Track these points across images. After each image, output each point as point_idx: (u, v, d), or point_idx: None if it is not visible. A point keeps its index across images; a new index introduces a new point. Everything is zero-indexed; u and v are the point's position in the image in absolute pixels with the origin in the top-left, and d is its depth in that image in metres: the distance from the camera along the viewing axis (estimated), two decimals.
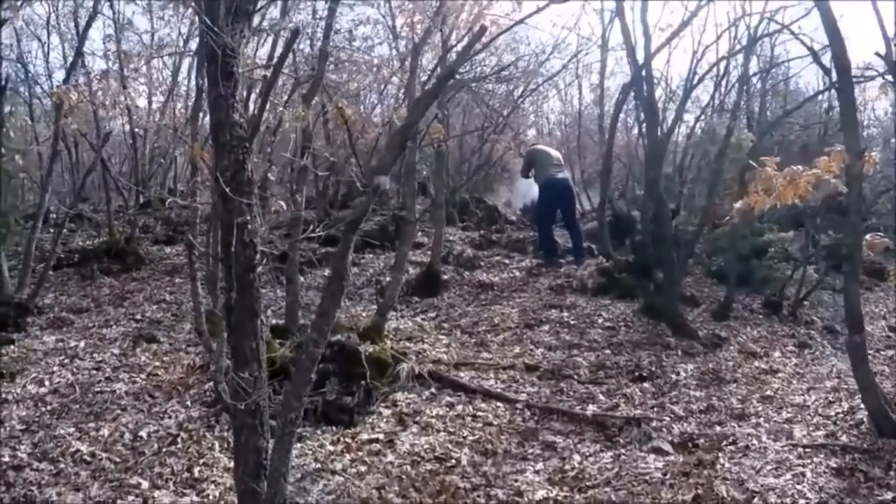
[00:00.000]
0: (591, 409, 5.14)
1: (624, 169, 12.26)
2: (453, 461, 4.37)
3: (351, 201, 11.05)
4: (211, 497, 3.88)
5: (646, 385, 5.64)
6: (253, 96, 6.51)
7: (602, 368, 5.94)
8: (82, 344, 6.27)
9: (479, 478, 4.19)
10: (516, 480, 4.16)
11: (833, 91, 10.07)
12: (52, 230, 9.03)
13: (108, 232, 9.47)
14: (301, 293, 7.26)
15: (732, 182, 6.59)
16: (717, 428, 4.91)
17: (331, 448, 4.45)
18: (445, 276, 8.40)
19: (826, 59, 5.32)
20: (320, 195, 11.03)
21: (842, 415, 5.06)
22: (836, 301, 8.88)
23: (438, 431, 4.75)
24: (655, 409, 5.21)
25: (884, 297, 9.20)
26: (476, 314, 7.33)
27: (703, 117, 9.91)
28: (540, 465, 4.36)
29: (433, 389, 5.39)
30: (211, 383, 5.16)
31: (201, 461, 4.26)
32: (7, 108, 8.39)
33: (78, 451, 4.34)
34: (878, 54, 4.75)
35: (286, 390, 3.12)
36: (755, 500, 3.93)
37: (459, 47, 7.10)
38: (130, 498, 3.85)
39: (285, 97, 7.45)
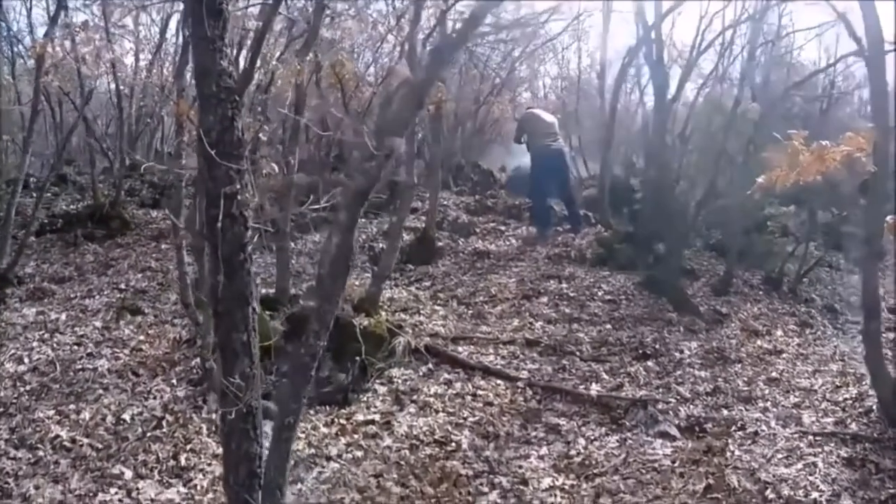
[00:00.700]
0: (594, 388, 4.96)
1: (622, 136, 11.95)
2: (454, 445, 4.19)
3: (342, 163, 10.70)
4: (199, 487, 3.66)
5: (649, 363, 5.47)
6: (243, 52, 6.14)
7: (604, 345, 5.76)
8: (63, 317, 5.99)
9: (482, 463, 4.01)
10: (520, 467, 3.99)
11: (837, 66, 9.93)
12: (34, 194, 8.64)
13: (93, 195, 9.09)
14: (292, 259, 7.01)
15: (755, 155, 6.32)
16: (725, 411, 4.78)
17: (325, 430, 4.24)
18: (440, 243, 8.17)
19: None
20: (314, 156, 10.65)
21: (850, 401, 4.94)
22: (834, 279, 8.82)
23: (437, 412, 4.56)
24: (661, 389, 5.05)
25: (881, 278, 9.09)
26: (472, 284, 7.11)
27: (706, 86, 9.61)
28: (544, 450, 4.19)
29: (430, 365, 5.20)
30: (198, 359, 4.90)
31: (188, 447, 4.04)
32: None
33: (57, 436, 4.09)
34: None
35: (282, 390, 2.79)
36: (768, 491, 3.80)
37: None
38: (113, 490, 3.62)
39: (278, 53, 7.06)
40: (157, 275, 7.13)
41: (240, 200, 2.46)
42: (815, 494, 3.76)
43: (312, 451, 4.00)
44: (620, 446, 4.27)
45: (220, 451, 3.42)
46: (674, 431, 4.48)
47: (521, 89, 13.24)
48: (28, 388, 4.76)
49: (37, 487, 3.64)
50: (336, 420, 4.39)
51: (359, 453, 4.03)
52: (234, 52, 6.08)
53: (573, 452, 4.17)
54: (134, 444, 4.10)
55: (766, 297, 7.44)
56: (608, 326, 6.13)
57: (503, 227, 9.06)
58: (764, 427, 4.52)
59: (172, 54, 10.55)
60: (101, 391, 4.74)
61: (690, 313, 6.56)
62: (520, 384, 4.98)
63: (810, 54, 20.09)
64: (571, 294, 6.81)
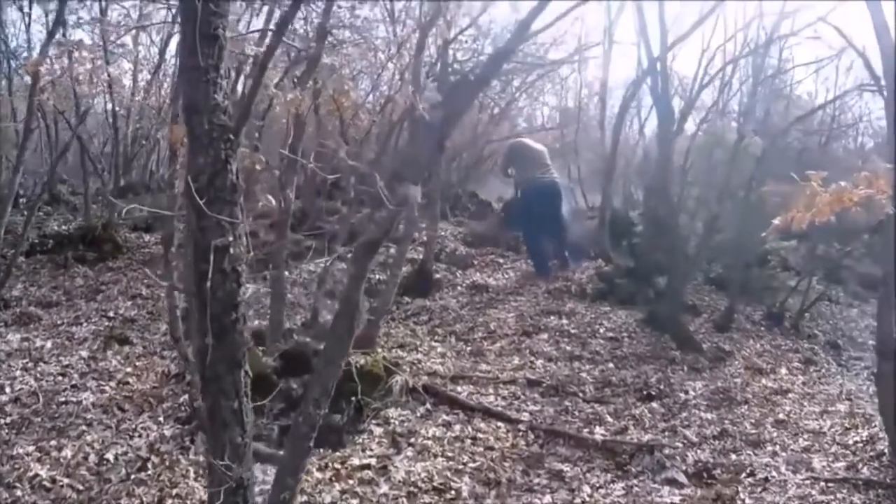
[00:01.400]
0: (598, 432, 4.80)
1: (621, 168, 11.88)
2: (453, 492, 4.00)
3: (339, 191, 10.55)
4: None
5: (654, 405, 5.33)
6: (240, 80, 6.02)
7: (608, 385, 5.60)
8: (49, 344, 5.80)
9: None
10: None
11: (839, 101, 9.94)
12: (24, 213, 8.47)
13: (85, 216, 8.91)
14: (286, 289, 6.84)
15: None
16: (733, 456, 4.64)
17: (318, 476, 4.03)
18: (438, 276, 8.01)
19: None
20: (311, 184, 10.53)
21: (861, 444, 4.82)
22: (835, 313, 8.72)
23: (436, 456, 4.36)
24: (667, 432, 4.89)
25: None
26: (471, 318, 6.95)
27: (707, 119, 9.55)
28: (548, 499, 4.02)
29: (428, 406, 5.01)
30: (186, 396, 4.71)
31: (174, 492, 3.84)
32: None
33: (37, 475, 3.89)
34: None
35: (279, 469, 2.53)
36: None
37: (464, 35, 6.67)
38: None
39: (276, 80, 6.96)
40: (148, 303, 6.94)
41: (232, 255, 2.20)
42: None
43: (305, 498, 3.79)
44: (627, 494, 4.11)
45: (207, 497, 3.23)
46: (682, 478, 4.33)
47: (520, 119, 13.19)
48: (8, 419, 4.56)
49: None
50: (330, 464, 4.19)
51: (354, 502, 3.83)
52: (231, 83, 5.96)
53: (578, 501, 4.00)
54: (117, 486, 3.91)
55: (768, 332, 7.36)
56: (611, 365, 5.99)
57: (501, 260, 8.90)
58: (774, 473, 4.39)
59: (171, 75, 10.45)
60: (84, 427, 4.55)
61: (693, 351, 6.45)
62: (521, 427, 4.80)
63: (807, 87, 20.28)
64: (573, 331, 6.66)
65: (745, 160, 7.61)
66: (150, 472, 4.04)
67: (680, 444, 4.70)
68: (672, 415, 5.19)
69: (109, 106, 10.01)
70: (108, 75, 8.89)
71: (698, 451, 4.65)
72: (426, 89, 6.64)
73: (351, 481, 4.03)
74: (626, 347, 6.35)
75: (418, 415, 4.89)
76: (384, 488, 3.98)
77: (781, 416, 5.30)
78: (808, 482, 4.27)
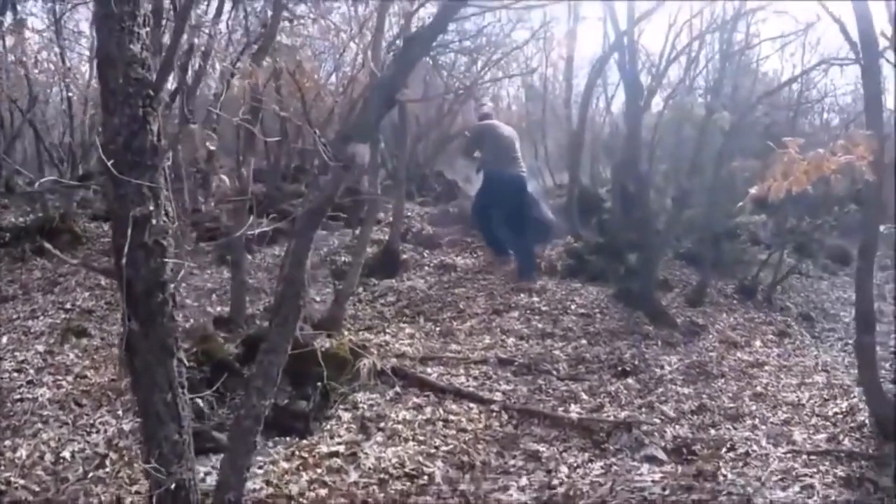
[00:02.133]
0: (574, 410, 4.65)
1: (588, 144, 11.76)
2: (426, 478, 3.81)
3: (303, 174, 10.28)
4: None
5: (630, 381, 5.20)
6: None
7: (581, 362, 5.46)
8: (4, 340, 5.53)
9: (458, 498, 3.65)
10: (499, 501, 3.64)
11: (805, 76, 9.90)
12: None
13: (42, 207, 8.52)
14: (249, 275, 6.59)
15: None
16: (712, 431, 4.53)
17: (285, 465, 3.81)
18: (404, 256, 7.80)
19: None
20: (272, 166, 10.22)
21: (840, 416, 4.76)
22: (806, 286, 8.72)
23: (407, 441, 4.18)
24: (643, 409, 4.76)
25: (850, 283, 8.99)
26: (439, 298, 6.77)
27: (674, 95, 9.42)
28: (524, 480, 3.85)
29: (398, 389, 4.82)
30: None
31: (133, 489, 3.59)
32: None
33: None
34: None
35: (221, 467, 2.26)
36: None
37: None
38: None
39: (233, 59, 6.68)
40: (106, 293, 6.62)
41: (154, 226, 1.93)
42: None
43: (272, 490, 3.58)
44: (606, 473, 3.95)
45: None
46: (661, 455, 4.19)
47: (486, 98, 12.97)
48: None
49: None
50: (297, 453, 3.97)
51: (323, 491, 3.62)
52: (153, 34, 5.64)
53: (555, 482, 3.83)
54: (74, 486, 3.67)
55: (741, 306, 7.31)
56: (584, 342, 5.85)
57: (468, 239, 8.71)
58: (755, 447, 4.27)
59: None
60: (40, 425, 4.30)
61: (667, 326, 6.36)
62: (494, 407, 4.63)
63: (773, 64, 20.41)
64: (543, 308, 6.51)
65: (714, 135, 7.53)
66: (108, 470, 3.81)
67: (658, 421, 4.56)
68: (648, 391, 5.06)
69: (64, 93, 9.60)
70: (62, 60, 8.52)
71: (677, 427, 4.52)
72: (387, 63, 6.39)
73: (319, 470, 3.82)
74: (598, 324, 6.22)
75: (387, 398, 4.70)
76: (354, 476, 3.78)
77: (759, 388, 5.21)
78: (789, 455, 4.16)
